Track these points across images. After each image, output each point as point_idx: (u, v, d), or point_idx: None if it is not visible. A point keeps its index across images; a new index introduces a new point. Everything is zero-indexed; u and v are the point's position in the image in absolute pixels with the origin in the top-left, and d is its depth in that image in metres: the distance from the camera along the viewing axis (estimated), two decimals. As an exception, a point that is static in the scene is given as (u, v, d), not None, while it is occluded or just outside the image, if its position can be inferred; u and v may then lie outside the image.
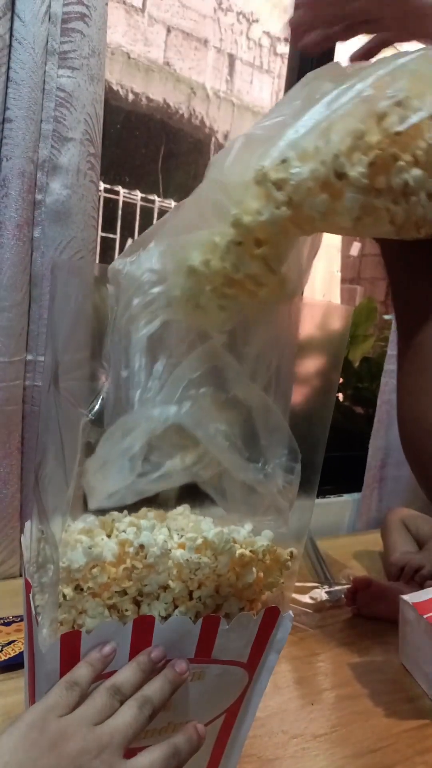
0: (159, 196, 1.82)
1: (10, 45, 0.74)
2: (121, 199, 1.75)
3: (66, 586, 0.38)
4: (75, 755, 0.35)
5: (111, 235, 1.77)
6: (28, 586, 0.42)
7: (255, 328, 0.40)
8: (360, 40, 0.59)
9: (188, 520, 0.44)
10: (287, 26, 0.33)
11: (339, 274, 3.08)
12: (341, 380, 1.56)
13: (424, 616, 0.71)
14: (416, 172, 0.33)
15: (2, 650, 0.67)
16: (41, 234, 0.81)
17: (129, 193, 1.77)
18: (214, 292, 0.36)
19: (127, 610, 0.39)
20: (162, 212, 1.83)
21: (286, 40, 1.98)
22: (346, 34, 0.57)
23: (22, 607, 0.47)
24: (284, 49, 2.02)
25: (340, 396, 1.58)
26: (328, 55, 0.87)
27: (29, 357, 0.84)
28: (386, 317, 2.09)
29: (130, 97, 1.83)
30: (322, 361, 0.49)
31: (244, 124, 2.04)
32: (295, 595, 0.89)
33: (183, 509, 0.45)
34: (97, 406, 0.36)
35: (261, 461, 0.40)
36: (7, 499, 0.84)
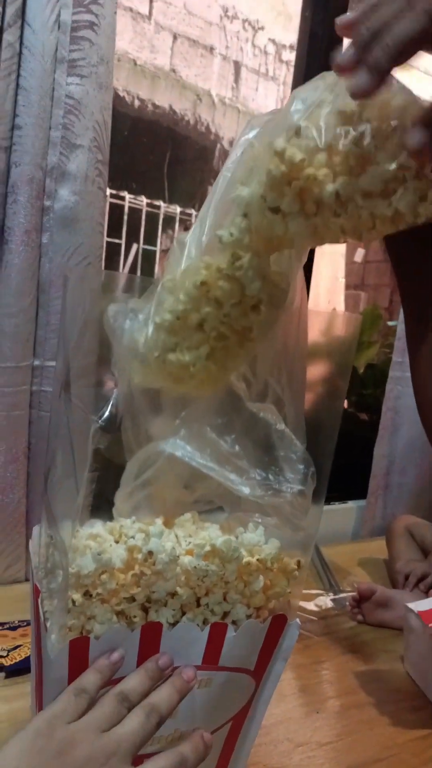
0: (164, 202, 1.83)
1: (20, 53, 0.75)
2: (126, 204, 1.76)
3: (75, 592, 0.38)
4: (82, 763, 0.35)
5: (116, 240, 1.78)
6: (36, 592, 0.42)
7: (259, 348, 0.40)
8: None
9: (196, 527, 0.45)
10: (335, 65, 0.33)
11: (343, 281, 3.08)
12: (346, 387, 1.55)
13: (430, 625, 0.71)
14: (331, 187, 0.34)
15: (8, 655, 0.67)
16: (49, 240, 0.82)
17: (134, 199, 1.78)
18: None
19: (135, 617, 0.39)
20: (167, 218, 1.84)
21: (291, 47, 1.99)
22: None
23: (29, 612, 0.47)
24: (290, 56, 2.03)
25: (345, 403, 1.58)
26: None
27: (36, 362, 0.84)
28: (390, 323, 2.09)
29: (137, 103, 1.84)
30: (329, 368, 0.49)
31: (249, 130, 2.04)
32: (300, 603, 0.88)
33: (191, 515, 0.45)
34: (107, 413, 0.36)
35: (272, 473, 0.40)
36: (13, 504, 0.84)
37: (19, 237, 0.78)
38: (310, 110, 0.34)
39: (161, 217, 1.83)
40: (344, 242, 0.38)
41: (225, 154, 1.93)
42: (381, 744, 0.64)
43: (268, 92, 2.10)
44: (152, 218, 1.82)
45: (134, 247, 1.84)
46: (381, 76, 0.31)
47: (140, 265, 1.84)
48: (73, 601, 0.37)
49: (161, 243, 1.87)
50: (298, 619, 0.45)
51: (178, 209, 1.85)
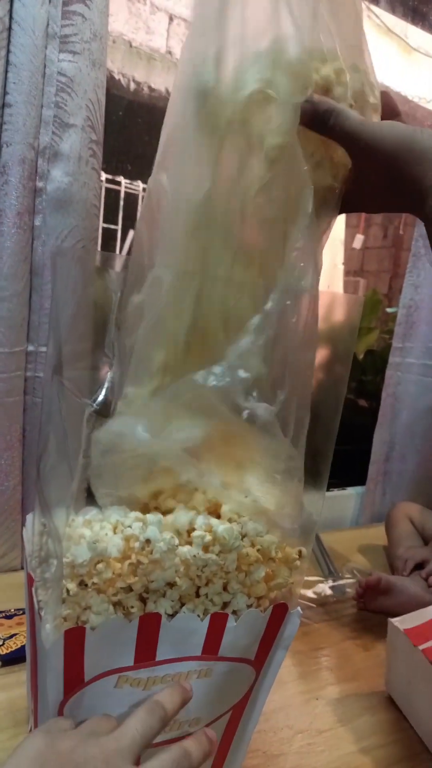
0: (161, 187, 1.80)
1: (10, 27, 0.72)
2: (123, 189, 1.73)
3: (70, 582, 0.37)
4: (80, 762, 0.34)
5: (113, 226, 1.75)
6: (30, 581, 0.41)
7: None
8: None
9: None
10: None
11: (342, 267, 3.06)
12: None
13: (420, 648, 0.61)
14: None
15: (4, 644, 0.66)
16: (42, 222, 0.80)
17: (130, 184, 1.75)
18: None
19: (132, 607, 0.38)
20: (164, 203, 1.81)
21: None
22: None
23: (24, 601, 0.46)
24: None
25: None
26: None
27: (30, 348, 0.83)
28: (389, 310, 2.07)
29: (132, 86, 1.80)
30: (332, 351, 0.47)
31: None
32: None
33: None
34: (101, 397, 0.34)
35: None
36: (8, 491, 0.83)
37: (11, 219, 0.76)
38: None
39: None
40: None
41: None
42: (383, 730, 0.63)
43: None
44: (148, 203, 1.79)
45: (131, 233, 1.82)
46: None
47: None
48: (68, 591, 0.36)
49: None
50: (299, 608, 0.44)
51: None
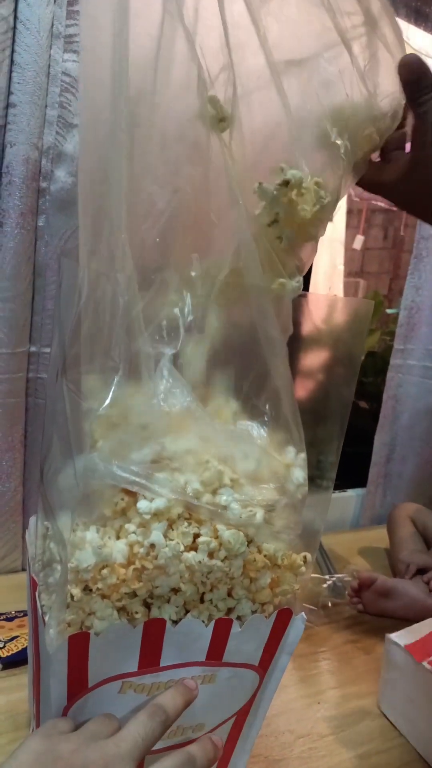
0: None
1: (15, 27, 0.72)
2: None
3: (74, 587, 0.36)
4: (79, 766, 0.33)
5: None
6: (33, 584, 0.41)
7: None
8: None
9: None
10: None
11: (342, 268, 3.06)
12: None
13: (425, 663, 0.59)
14: None
15: (5, 646, 0.66)
16: (45, 223, 0.79)
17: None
18: None
19: (137, 613, 0.38)
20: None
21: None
22: None
23: (26, 603, 0.46)
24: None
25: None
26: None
27: (33, 348, 0.82)
28: (390, 311, 2.07)
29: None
30: (339, 355, 0.47)
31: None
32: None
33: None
34: (107, 401, 0.34)
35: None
36: (9, 492, 0.83)
37: (15, 219, 0.76)
38: None
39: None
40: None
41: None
42: (383, 735, 0.63)
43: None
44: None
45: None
46: None
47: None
48: (72, 596, 0.36)
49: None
50: (303, 613, 0.44)
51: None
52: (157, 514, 0.38)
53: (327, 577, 0.94)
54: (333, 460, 0.45)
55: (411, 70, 0.43)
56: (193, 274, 0.40)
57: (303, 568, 0.43)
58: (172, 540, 0.38)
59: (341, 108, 0.42)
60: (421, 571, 0.92)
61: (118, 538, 0.39)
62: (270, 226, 0.42)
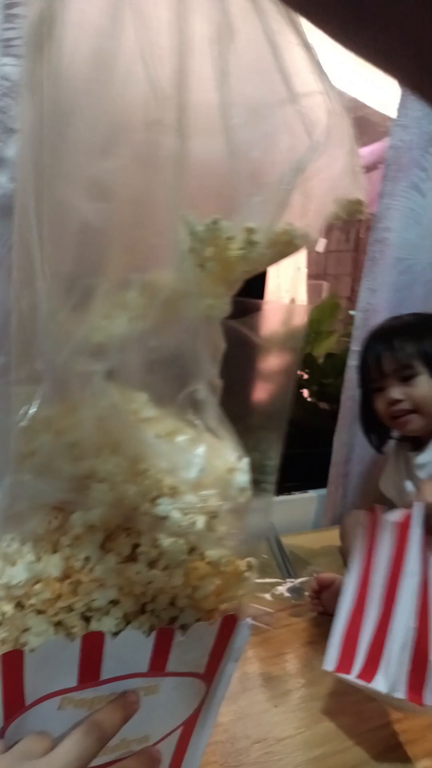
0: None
1: None
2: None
3: (5, 603, 0.35)
4: None
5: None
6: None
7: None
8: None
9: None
10: None
11: (305, 270, 3.09)
12: (306, 377, 1.55)
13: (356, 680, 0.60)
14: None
15: None
16: (-10, 229, 0.78)
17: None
18: None
19: (74, 627, 0.37)
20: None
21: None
22: None
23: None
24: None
25: (305, 392, 1.57)
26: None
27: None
28: (353, 312, 2.10)
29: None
30: (279, 359, 0.48)
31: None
32: (257, 594, 0.88)
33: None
34: (30, 412, 0.33)
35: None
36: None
37: (-43, 226, 0.74)
38: None
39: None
40: None
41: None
42: (341, 736, 0.64)
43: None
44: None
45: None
46: None
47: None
48: (3, 614, 0.35)
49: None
50: (249, 618, 0.44)
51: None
52: (92, 527, 0.37)
53: (285, 577, 0.94)
54: (275, 462, 0.45)
55: None
56: (131, 291, 0.39)
57: (247, 574, 0.43)
58: (109, 552, 0.37)
59: None
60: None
61: (54, 551, 0.38)
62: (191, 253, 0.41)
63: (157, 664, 0.40)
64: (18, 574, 0.35)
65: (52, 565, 0.36)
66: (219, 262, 0.38)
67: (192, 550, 0.40)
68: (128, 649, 0.38)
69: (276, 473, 0.45)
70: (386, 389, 1.00)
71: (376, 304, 1.29)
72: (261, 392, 0.46)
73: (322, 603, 0.86)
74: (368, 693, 0.60)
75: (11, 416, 0.33)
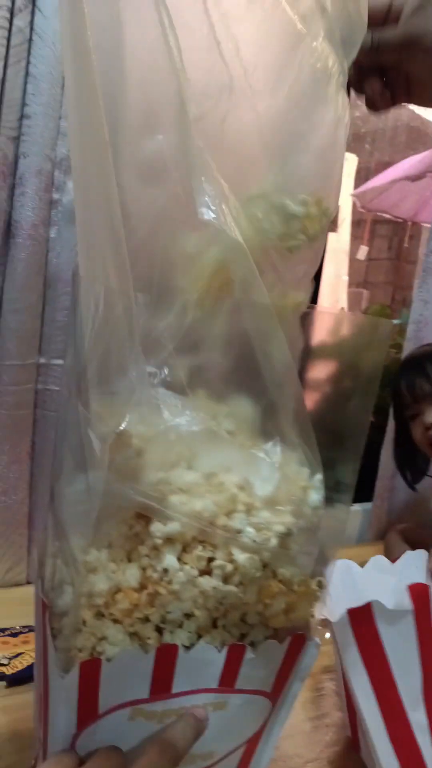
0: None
1: (30, 39, 0.72)
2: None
3: (86, 611, 0.36)
4: None
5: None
6: (43, 606, 0.40)
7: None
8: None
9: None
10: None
11: (346, 278, 3.05)
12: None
13: None
14: None
15: (9, 663, 0.65)
16: (57, 234, 0.79)
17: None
18: None
19: (149, 638, 0.37)
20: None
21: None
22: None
23: (31, 617, 0.45)
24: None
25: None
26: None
27: (42, 360, 0.82)
28: (395, 322, 2.06)
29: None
30: (358, 373, 0.47)
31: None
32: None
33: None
34: (123, 424, 0.33)
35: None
36: (16, 504, 0.82)
37: (26, 231, 0.76)
38: None
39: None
40: None
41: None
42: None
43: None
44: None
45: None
46: None
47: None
48: (84, 621, 0.35)
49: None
50: (317, 639, 0.43)
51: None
52: (170, 538, 0.37)
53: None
54: (350, 481, 0.45)
55: None
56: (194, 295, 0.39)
57: (318, 593, 0.42)
58: (186, 564, 0.37)
59: None
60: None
61: (129, 561, 0.38)
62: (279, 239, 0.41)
63: (227, 680, 0.40)
64: (100, 582, 0.35)
65: (130, 574, 0.36)
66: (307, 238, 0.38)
67: (264, 566, 0.40)
68: (200, 664, 0.38)
69: (351, 492, 0.44)
70: (422, 414, 0.99)
71: (429, 315, 1.27)
72: (339, 407, 0.45)
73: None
74: None
75: (99, 424, 0.33)
